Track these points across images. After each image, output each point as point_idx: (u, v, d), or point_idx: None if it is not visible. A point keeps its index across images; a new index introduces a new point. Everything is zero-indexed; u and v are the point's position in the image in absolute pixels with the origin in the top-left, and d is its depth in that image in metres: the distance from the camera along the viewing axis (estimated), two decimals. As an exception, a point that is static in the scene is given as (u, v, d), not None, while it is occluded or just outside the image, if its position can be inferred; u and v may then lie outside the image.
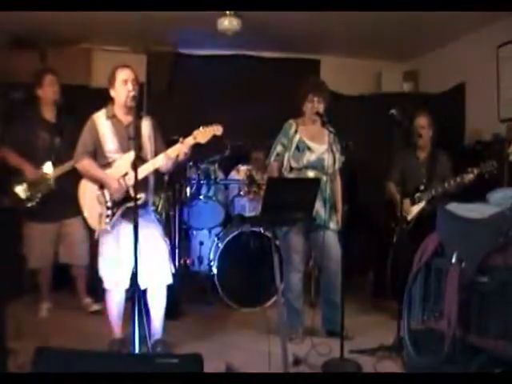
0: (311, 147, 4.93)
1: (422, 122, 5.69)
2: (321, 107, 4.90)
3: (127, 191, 4.25)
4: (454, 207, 3.23)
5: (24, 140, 5.43)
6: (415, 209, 5.52)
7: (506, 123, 6.31)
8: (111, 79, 4.40)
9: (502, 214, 2.79)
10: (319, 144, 4.97)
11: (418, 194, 5.52)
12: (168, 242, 4.56)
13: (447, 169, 5.56)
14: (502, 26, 6.40)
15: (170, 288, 4.50)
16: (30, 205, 5.38)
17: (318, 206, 4.77)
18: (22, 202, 5.40)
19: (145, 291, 4.32)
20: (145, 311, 4.09)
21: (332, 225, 4.94)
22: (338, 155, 4.98)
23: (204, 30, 6.74)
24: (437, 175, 5.54)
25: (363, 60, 8.28)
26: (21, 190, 5.40)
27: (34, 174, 5.35)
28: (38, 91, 5.53)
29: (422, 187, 5.51)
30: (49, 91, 5.51)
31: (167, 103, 7.40)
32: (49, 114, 5.53)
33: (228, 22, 6.48)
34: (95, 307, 5.69)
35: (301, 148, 4.93)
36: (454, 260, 3.00)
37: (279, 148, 5.01)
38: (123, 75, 4.35)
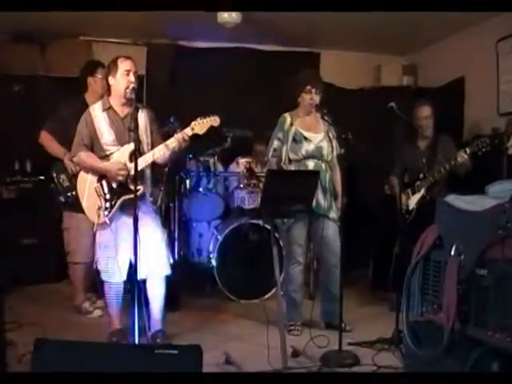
0: (308, 137, 4.95)
1: (425, 112, 5.67)
2: (317, 98, 4.92)
3: (127, 181, 4.26)
4: (453, 199, 3.23)
5: (67, 127, 5.11)
6: (416, 197, 5.51)
7: (506, 117, 6.31)
8: (112, 68, 4.38)
9: (501, 206, 2.79)
10: (315, 133, 4.99)
11: (418, 183, 5.51)
12: (166, 233, 4.56)
13: (450, 148, 5.51)
14: (502, 19, 6.39)
15: (169, 280, 4.51)
16: (69, 194, 5.28)
17: (318, 195, 4.79)
18: (62, 191, 5.37)
19: (144, 283, 4.33)
20: (144, 302, 4.12)
21: (332, 214, 4.96)
22: (334, 142, 5.00)
23: (204, 22, 6.73)
24: (437, 161, 5.51)
25: (363, 53, 8.28)
26: (63, 179, 5.38)
27: (72, 166, 5.18)
28: (89, 79, 5.49)
29: (422, 175, 5.50)
30: (99, 84, 5.40)
31: (167, 96, 7.40)
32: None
33: (227, 15, 6.47)
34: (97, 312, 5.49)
35: (298, 139, 4.94)
36: (452, 252, 3.01)
37: (276, 143, 5.02)
38: (126, 65, 4.34)
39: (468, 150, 5.08)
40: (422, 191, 5.47)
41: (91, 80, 5.49)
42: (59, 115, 5.41)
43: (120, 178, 4.29)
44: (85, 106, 5.15)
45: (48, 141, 5.44)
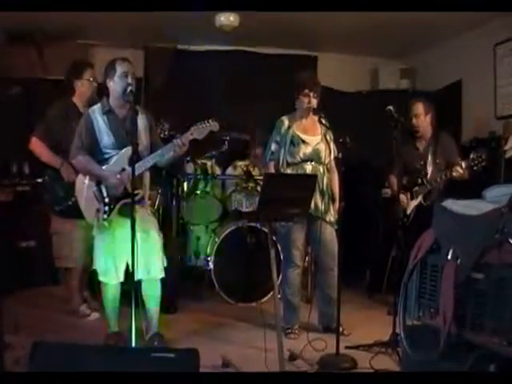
0: (305, 140, 4.95)
1: (417, 109, 5.62)
2: (315, 102, 4.92)
3: (125, 186, 4.26)
4: (450, 204, 3.23)
5: (58, 132, 5.16)
6: (413, 203, 5.51)
7: (503, 120, 6.32)
8: (110, 71, 4.35)
9: (499, 210, 2.79)
10: (313, 136, 5.00)
11: (416, 188, 5.50)
12: (162, 236, 4.56)
13: (451, 149, 5.53)
14: (500, 24, 6.41)
15: (166, 283, 4.51)
16: (64, 204, 5.17)
17: (316, 198, 4.80)
18: (57, 200, 5.27)
19: (140, 285, 4.33)
20: (143, 305, 4.12)
21: (330, 217, 4.96)
22: (332, 144, 5.01)
23: (202, 25, 6.74)
24: (437, 163, 5.50)
25: (360, 57, 8.30)
26: (57, 189, 5.26)
27: (71, 176, 4.99)
28: (76, 82, 5.33)
29: (420, 181, 5.49)
30: (87, 86, 5.33)
31: (165, 98, 7.40)
32: (84, 108, 5.13)
33: (225, 19, 6.48)
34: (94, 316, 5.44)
35: (295, 143, 4.94)
36: (449, 256, 3.00)
37: (273, 146, 5.03)
38: (124, 67, 4.32)
39: (464, 165, 5.08)
40: (420, 198, 5.47)
41: (78, 83, 5.34)
42: (48, 120, 5.29)
43: (116, 190, 4.30)
44: (74, 110, 5.22)
45: (39, 148, 5.27)
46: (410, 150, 5.59)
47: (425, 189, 5.43)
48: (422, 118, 5.62)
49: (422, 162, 5.58)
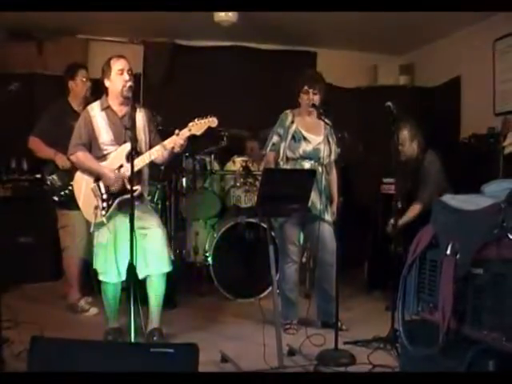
0: (307, 138, 4.94)
1: (402, 136, 5.45)
2: (316, 99, 4.90)
3: (123, 183, 4.26)
4: (449, 199, 3.22)
5: (54, 130, 5.35)
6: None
7: (502, 117, 6.32)
8: (106, 70, 4.40)
9: (497, 205, 2.79)
10: (315, 135, 4.99)
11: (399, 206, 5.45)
12: (165, 230, 4.56)
13: (432, 170, 5.42)
14: (499, 19, 6.40)
15: (167, 278, 4.51)
16: (63, 193, 5.31)
17: (314, 197, 4.76)
18: (55, 190, 5.38)
19: (143, 281, 4.33)
20: (142, 300, 4.12)
21: (327, 216, 4.95)
22: (333, 146, 5.00)
23: (201, 21, 6.73)
24: (419, 184, 5.46)
25: (360, 53, 8.28)
26: (54, 179, 5.39)
27: (65, 163, 5.21)
28: (70, 83, 5.53)
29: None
30: (80, 86, 5.50)
31: (164, 94, 7.41)
32: (78, 107, 5.42)
33: (224, 14, 6.47)
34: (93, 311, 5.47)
35: (297, 138, 4.93)
36: (448, 252, 3.00)
37: (275, 138, 5.02)
38: (119, 65, 4.36)
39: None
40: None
41: (72, 83, 5.54)
42: (45, 120, 5.48)
43: (114, 187, 4.31)
44: (69, 109, 5.42)
45: (37, 145, 5.48)
46: (399, 163, 5.55)
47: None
48: (408, 145, 5.49)
49: (407, 180, 5.54)
